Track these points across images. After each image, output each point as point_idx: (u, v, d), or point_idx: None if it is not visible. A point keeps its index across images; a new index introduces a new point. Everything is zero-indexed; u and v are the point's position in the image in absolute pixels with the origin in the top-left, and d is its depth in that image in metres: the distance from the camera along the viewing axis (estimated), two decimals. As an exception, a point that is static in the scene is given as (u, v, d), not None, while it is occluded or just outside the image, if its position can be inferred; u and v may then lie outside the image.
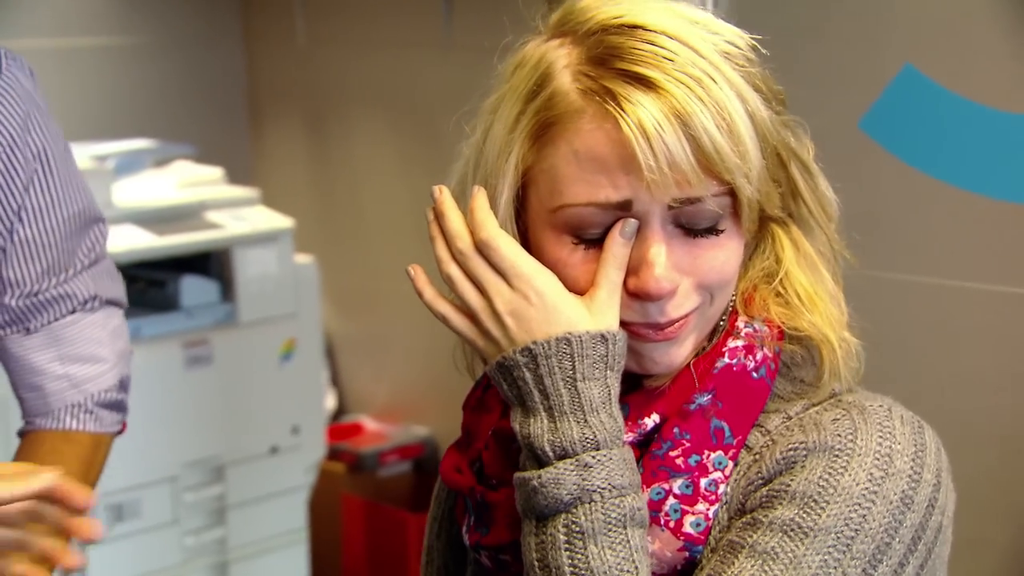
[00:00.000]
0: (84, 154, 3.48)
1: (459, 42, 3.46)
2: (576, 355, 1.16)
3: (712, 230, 1.18)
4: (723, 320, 1.26)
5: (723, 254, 1.19)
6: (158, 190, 3.64)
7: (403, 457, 4.02)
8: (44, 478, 1.31)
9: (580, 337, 1.16)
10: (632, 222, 1.16)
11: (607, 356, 1.17)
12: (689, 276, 1.19)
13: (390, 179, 3.93)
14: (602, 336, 1.17)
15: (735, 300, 1.26)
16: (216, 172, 3.78)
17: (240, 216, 3.65)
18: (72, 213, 1.80)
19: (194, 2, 4.36)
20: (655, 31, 1.14)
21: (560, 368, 1.16)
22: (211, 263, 3.63)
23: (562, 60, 1.18)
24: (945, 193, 2.07)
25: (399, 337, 3.95)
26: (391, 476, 3.98)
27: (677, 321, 1.19)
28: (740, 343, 1.24)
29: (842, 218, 2.16)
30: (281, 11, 4.22)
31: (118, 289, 1.93)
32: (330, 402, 4.23)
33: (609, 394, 1.18)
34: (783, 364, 1.26)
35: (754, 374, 1.24)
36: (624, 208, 1.15)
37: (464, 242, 1.20)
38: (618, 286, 1.18)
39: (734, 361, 1.24)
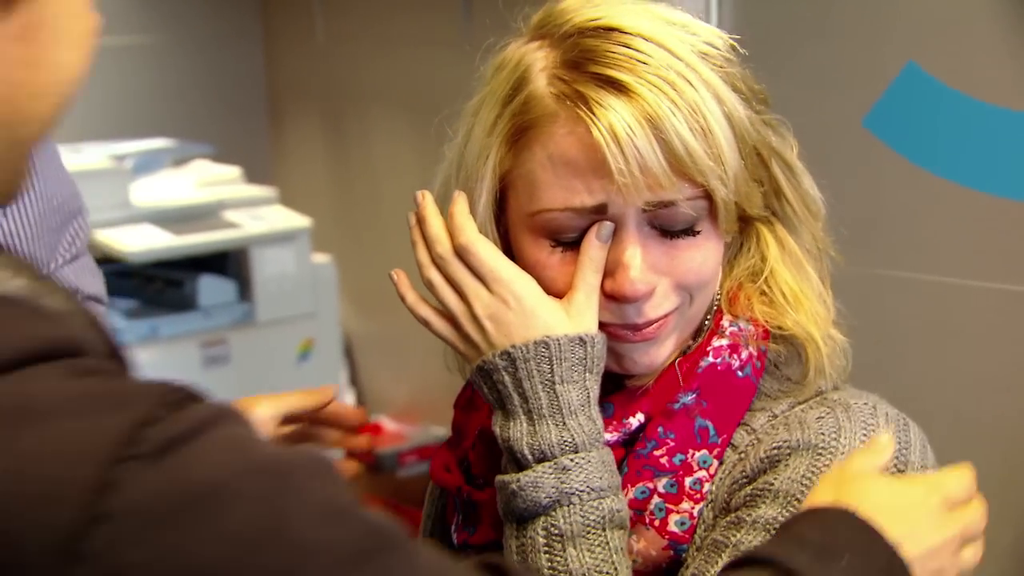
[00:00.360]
0: (102, 153, 3.49)
1: (478, 40, 3.45)
2: (554, 358, 1.16)
3: (689, 231, 1.17)
4: (708, 319, 1.26)
5: (701, 255, 1.18)
6: (176, 190, 3.64)
7: (422, 458, 4.00)
8: (327, 393, 1.43)
9: (558, 340, 1.16)
10: (608, 225, 1.15)
11: (585, 359, 1.17)
12: (667, 277, 1.18)
13: (409, 178, 3.89)
14: (580, 339, 1.16)
15: (720, 299, 1.26)
16: (234, 171, 3.78)
17: (258, 215, 3.65)
18: (55, 206, 1.79)
19: (213, 1, 4.37)
20: (631, 33, 1.14)
21: (539, 371, 1.16)
22: (229, 263, 3.63)
23: (539, 63, 1.17)
24: (949, 191, 2.06)
25: (418, 337, 3.89)
26: (410, 477, 3.97)
27: (655, 322, 1.19)
28: (725, 342, 1.24)
29: (846, 216, 2.14)
30: (300, 10, 4.22)
31: (99, 285, 1.92)
32: (348, 402, 4.23)
33: (588, 397, 1.17)
34: (770, 362, 1.25)
35: (739, 373, 1.23)
36: (599, 212, 1.15)
37: (444, 247, 1.21)
38: (595, 288, 1.17)
39: (718, 360, 1.23)
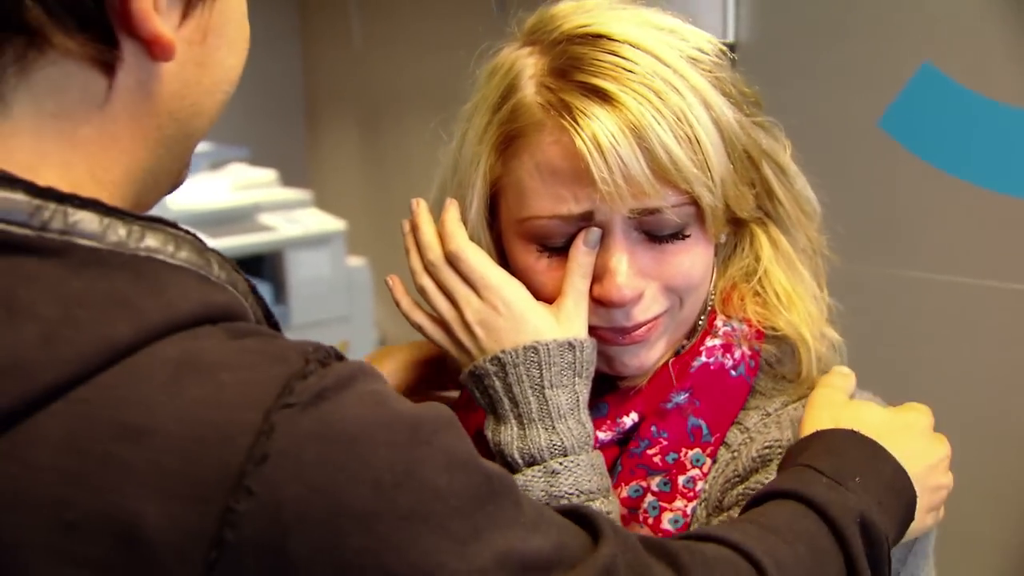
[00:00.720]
0: (140, 157, 3.51)
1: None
2: (543, 363, 1.17)
3: (677, 236, 1.17)
4: (702, 319, 1.26)
5: (689, 259, 1.19)
6: (212, 193, 3.67)
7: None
8: None
9: (547, 345, 1.17)
10: (595, 231, 1.16)
11: (575, 363, 1.18)
12: (656, 280, 1.19)
13: (444, 181, 3.91)
14: (569, 344, 1.17)
15: (714, 299, 1.27)
16: (270, 174, 3.80)
17: (293, 218, 3.68)
18: None
19: (250, 5, 4.38)
20: (619, 40, 1.14)
21: (528, 376, 1.17)
22: (264, 266, 3.65)
23: (529, 70, 1.18)
24: (964, 191, 2.04)
25: (453, 339, 3.92)
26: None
27: (644, 324, 1.20)
28: (718, 342, 1.24)
29: (861, 216, 2.12)
30: (337, 14, 4.24)
31: None
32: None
33: (577, 401, 1.18)
34: (765, 361, 1.26)
35: (732, 372, 1.24)
36: (586, 219, 1.15)
37: (435, 253, 1.22)
38: (584, 294, 1.18)
39: (711, 360, 1.24)
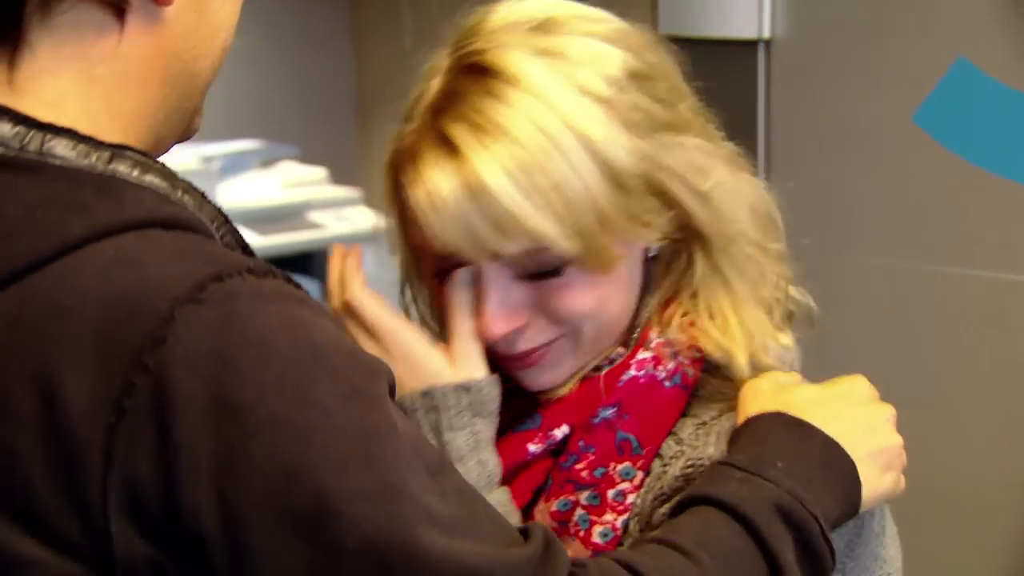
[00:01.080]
0: (191, 155, 3.56)
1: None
2: (440, 407, 1.17)
3: (553, 272, 1.16)
4: (637, 332, 1.24)
5: (569, 294, 1.17)
6: (263, 190, 3.69)
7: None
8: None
9: (442, 389, 1.17)
10: (465, 271, 1.17)
11: (472, 404, 1.18)
12: (540, 312, 1.18)
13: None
14: (464, 387, 1.18)
15: (649, 312, 1.24)
16: (320, 172, 3.82)
17: (342, 216, 3.69)
18: None
19: (303, 3, 4.41)
20: (501, 77, 1.12)
21: (427, 420, 1.17)
22: (313, 263, 3.66)
23: (431, 90, 1.17)
24: (999, 187, 2.02)
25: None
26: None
27: (535, 351, 1.20)
28: (649, 355, 1.22)
29: (896, 212, 2.09)
30: (388, 12, 4.25)
31: None
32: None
33: (476, 441, 1.18)
34: (712, 365, 1.22)
35: (666, 383, 1.21)
36: (454, 257, 1.15)
37: (335, 302, 1.24)
38: (470, 331, 1.18)
39: (641, 373, 1.21)
